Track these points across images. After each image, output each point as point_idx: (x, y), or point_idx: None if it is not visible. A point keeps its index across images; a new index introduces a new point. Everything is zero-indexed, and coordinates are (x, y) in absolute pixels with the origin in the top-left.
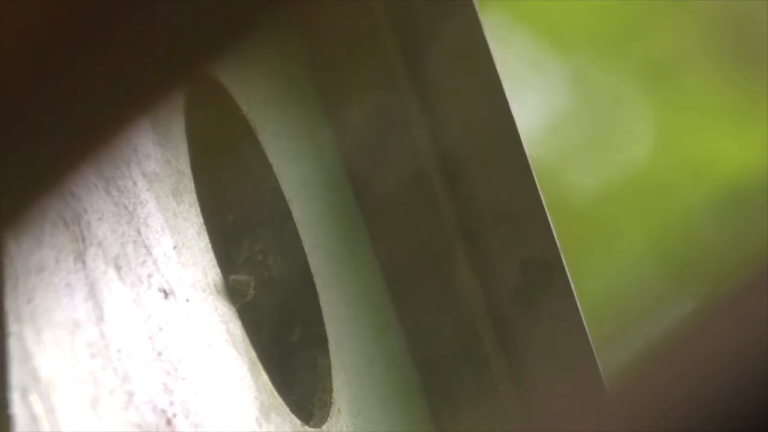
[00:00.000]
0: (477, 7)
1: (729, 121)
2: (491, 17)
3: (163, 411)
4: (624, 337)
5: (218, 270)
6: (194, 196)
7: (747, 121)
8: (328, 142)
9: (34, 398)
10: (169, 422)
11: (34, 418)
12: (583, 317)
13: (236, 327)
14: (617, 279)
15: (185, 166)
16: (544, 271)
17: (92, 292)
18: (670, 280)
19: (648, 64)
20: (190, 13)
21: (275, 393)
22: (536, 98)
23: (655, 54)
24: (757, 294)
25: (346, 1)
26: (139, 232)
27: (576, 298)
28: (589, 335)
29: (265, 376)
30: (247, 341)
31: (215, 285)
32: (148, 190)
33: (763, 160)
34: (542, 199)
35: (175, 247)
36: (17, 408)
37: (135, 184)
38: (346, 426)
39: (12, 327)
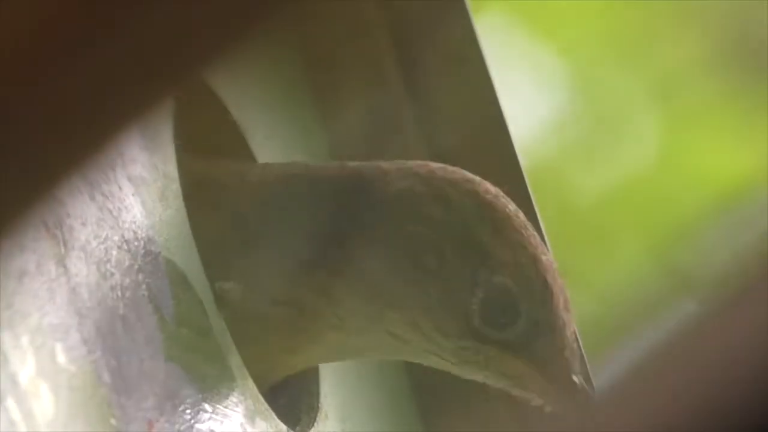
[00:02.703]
0: (469, 8)
1: (730, 126)
2: (489, 18)
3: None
4: (621, 339)
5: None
6: (181, 201)
7: (748, 126)
8: (319, 146)
9: (11, 403)
10: (151, 425)
11: (11, 423)
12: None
13: None
14: (614, 282)
15: (173, 171)
16: None
17: (73, 298)
18: (667, 284)
19: (648, 67)
20: (180, 16)
21: (260, 398)
22: (535, 101)
23: (656, 57)
24: (756, 297)
25: (339, 3)
26: (123, 237)
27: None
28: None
29: (250, 380)
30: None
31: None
32: (133, 195)
33: (764, 167)
34: (534, 202)
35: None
36: None
37: (120, 188)
38: (334, 431)
39: None
